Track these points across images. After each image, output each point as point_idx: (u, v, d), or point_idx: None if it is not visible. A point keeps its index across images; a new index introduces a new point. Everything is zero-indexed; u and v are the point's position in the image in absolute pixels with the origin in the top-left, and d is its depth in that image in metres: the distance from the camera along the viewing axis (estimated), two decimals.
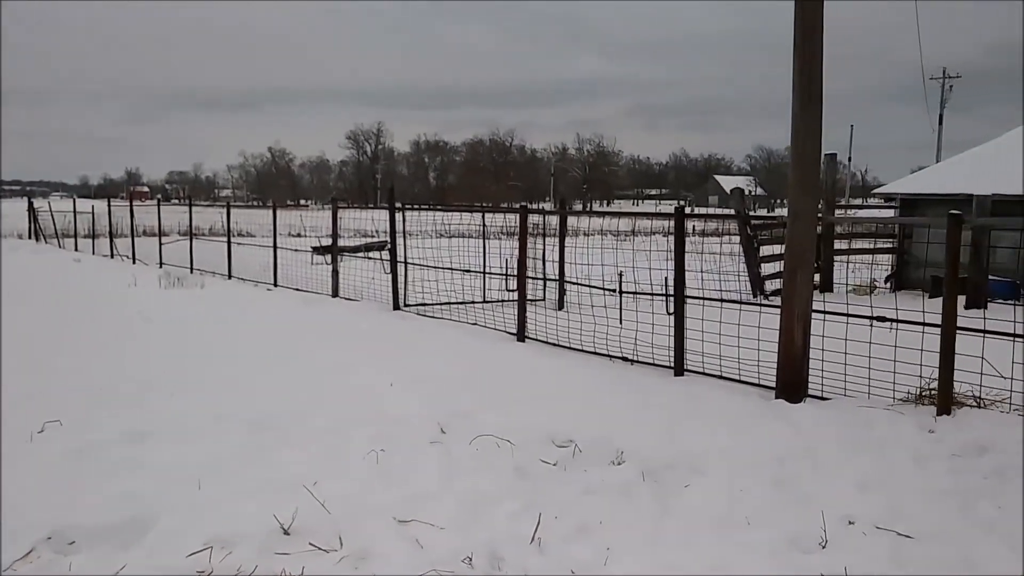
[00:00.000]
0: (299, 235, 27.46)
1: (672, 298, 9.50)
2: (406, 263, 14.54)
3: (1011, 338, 7.23)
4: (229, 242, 20.79)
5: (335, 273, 16.29)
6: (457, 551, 4.79)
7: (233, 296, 16.59)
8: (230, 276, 20.23)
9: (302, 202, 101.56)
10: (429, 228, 24.77)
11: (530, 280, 12.97)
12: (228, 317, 13.52)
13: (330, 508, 5.25)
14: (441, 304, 14.00)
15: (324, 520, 5.12)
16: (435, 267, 14.85)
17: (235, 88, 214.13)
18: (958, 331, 7.31)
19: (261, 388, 8.43)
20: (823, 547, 4.96)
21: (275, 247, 18.78)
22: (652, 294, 11.55)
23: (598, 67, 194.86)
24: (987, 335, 7.42)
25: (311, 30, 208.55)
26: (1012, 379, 7.19)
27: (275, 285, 18.43)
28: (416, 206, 18.53)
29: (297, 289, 17.60)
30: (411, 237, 15.95)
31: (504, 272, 14.41)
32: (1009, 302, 14.45)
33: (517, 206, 12.41)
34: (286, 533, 4.95)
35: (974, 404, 7.40)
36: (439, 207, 30.26)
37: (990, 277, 15.71)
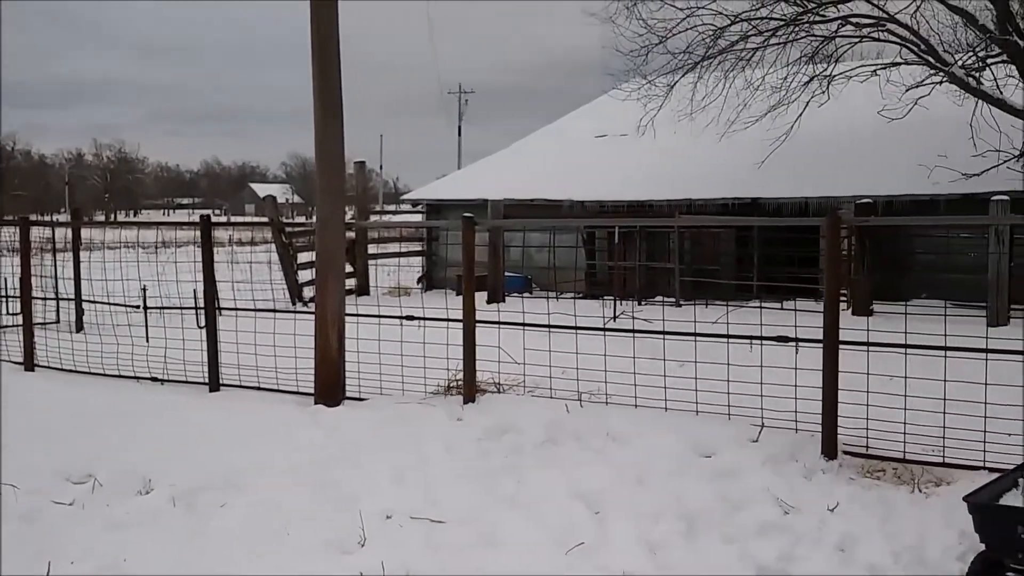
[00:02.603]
0: None
1: (203, 311, 9.04)
2: None
3: (521, 327, 7.95)
4: None
5: None
6: None
7: None
8: None
9: None
10: None
11: (40, 301, 11.55)
12: None
13: None
14: None
15: None
16: None
17: None
18: (477, 324, 7.89)
19: None
20: (362, 545, 5.01)
21: None
22: (180, 308, 10.90)
23: (114, 68, 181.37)
24: (502, 326, 8.08)
25: None
26: (525, 364, 7.91)
27: None
28: None
29: None
30: None
31: (3, 293, 12.65)
32: (524, 295, 16.13)
33: (16, 219, 10.97)
34: None
35: (495, 390, 8.03)
36: None
37: (506, 273, 17.35)
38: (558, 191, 18.93)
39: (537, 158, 21.82)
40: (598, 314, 10.69)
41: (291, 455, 6.53)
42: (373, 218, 29.26)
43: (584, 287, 17.36)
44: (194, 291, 9.50)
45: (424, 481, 6.06)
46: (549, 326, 7.75)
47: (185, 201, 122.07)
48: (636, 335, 7.67)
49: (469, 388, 7.76)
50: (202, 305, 9.12)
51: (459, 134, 61.85)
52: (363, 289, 17.79)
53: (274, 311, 9.27)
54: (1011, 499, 4.57)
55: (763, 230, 15.84)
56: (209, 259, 8.90)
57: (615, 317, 12.38)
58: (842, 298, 14.67)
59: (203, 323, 9.03)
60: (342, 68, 8.06)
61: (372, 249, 19.25)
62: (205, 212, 15.27)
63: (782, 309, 7.88)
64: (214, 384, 8.81)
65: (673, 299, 15.58)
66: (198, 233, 9.00)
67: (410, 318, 8.23)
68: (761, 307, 7.90)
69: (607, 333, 7.67)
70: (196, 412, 7.84)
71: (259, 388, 8.65)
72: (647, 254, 17.40)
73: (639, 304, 14.82)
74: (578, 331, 7.68)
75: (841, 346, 6.34)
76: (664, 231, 17.27)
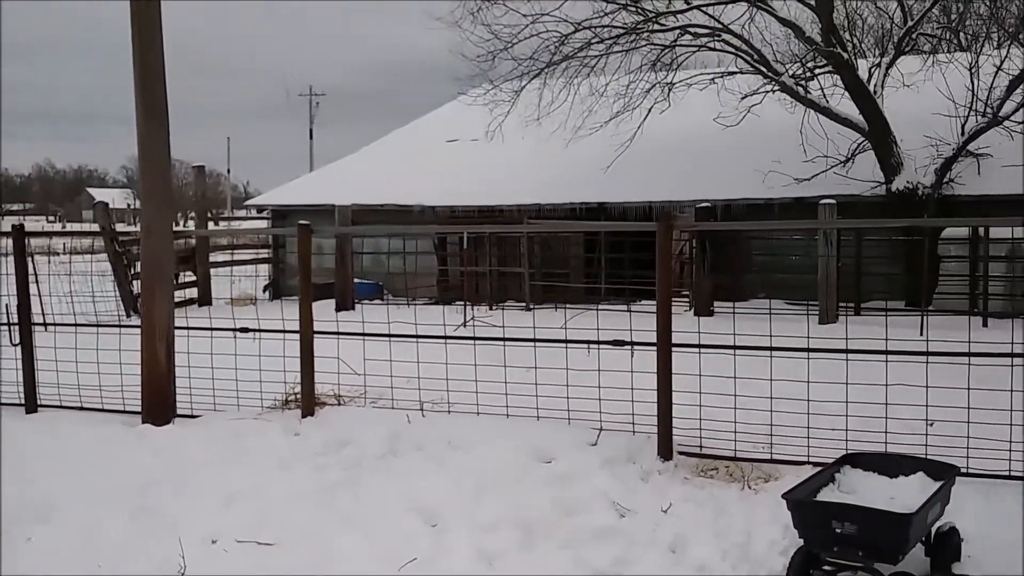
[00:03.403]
0: None
1: (17, 327, 8.41)
2: None
3: (361, 337, 7.75)
4: None
5: None
6: None
7: None
8: None
9: None
10: None
11: None
12: None
13: None
14: None
15: None
16: None
17: None
18: (316, 334, 7.64)
19: None
20: (182, 574, 4.72)
21: None
22: None
23: None
24: (346, 336, 7.85)
25: None
26: (366, 375, 7.71)
27: None
28: None
29: None
30: None
31: None
32: (375, 302, 15.86)
33: None
34: None
35: (335, 402, 7.80)
36: None
37: (356, 280, 17.02)
38: (409, 196, 18.76)
39: (388, 162, 21.60)
40: (449, 320, 10.58)
41: (112, 479, 6.14)
42: (223, 224, 28.26)
43: (436, 292, 17.26)
44: (6, 306, 8.82)
45: (255, 501, 5.80)
46: (390, 335, 7.59)
47: (15, 207, 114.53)
48: (478, 342, 7.62)
49: (307, 401, 7.50)
50: (16, 321, 8.48)
51: (311, 137, 60.64)
52: (205, 299, 17.09)
53: (97, 325, 8.72)
54: (828, 494, 4.75)
55: (610, 234, 16.15)
56: (23, 271, 8.29)
57: (465, 323, 12.32)
58: (684, 299, 15.26)
59: (17, 340, 8.40)
60: (166, 69, 7.67)
61: (215, 257, 18.54)
62: (39, 219, 14.25)
63: (628, 311, 8.04)
64: (31, 405, 8.22)
65: (524, 303, 15.67)
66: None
67: (244, 330, 7.90)
68: (598, 310, 7.97)
69: (448, 341, 7.57)
70: (9, 436, 7.26)
71: (82, 408, 8.12)
72: (498, 259, 17.46)
73: (490, 309, 14.82)
74: (419, 339, 7.54)
75: (674, 348, 6.47)
76: (515, 236, 17.37)
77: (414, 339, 7.58)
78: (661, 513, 5.56)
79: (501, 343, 7.47)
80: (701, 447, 6.57)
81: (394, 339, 7.70)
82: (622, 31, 15.33)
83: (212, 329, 7.92)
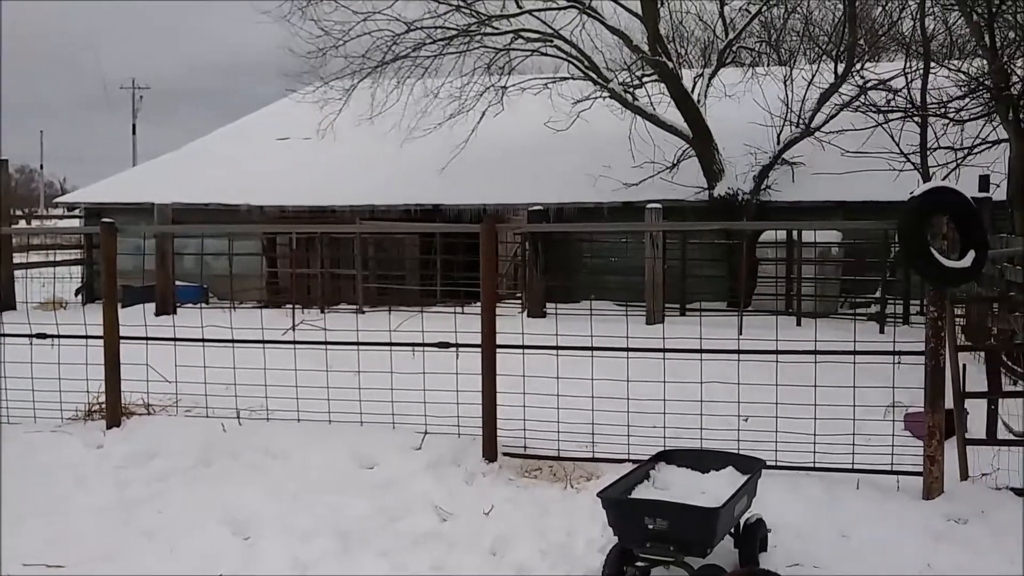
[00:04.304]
0: None
1: None
2: None
3: (172, 342, 7.30)
4: None
5: None
6: None
7: None
8: None
9: None
10: None
11: None
12: None
13: None
14: None
15: None
16: None
17: None
18: (123, 340, 7.17)
19: None
20: None
21: None
22: None
23: None
24: (151, 342, 7.37)
25: None
26: (178, 382, 7.27)
27: None
28: None
29: None
30: None
31: None
32: (198, 305, 15.12)
33: None
34: None
35: (145, 412, 7.34)
36: None
37: (178, 283, 16.20)
38: (236, 195, 18.03)
39: (214, 160, 20.68)
40: (277, 324, 10.21)
41: None
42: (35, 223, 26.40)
43: (265, 295, 16.67)
44: None
45: (48, 521, 5.37)
46: (204, 340, 7.19)
47: None
48: (303, 347, 7.34)
49: (112, 411, 7.01)
50: None
51: (134, 133, 57.73)
52: (8, 303, 15.83)
53: None
54: (643, 491, 4.81)
55: (444, 235, 16.06)
56: None
57: (294, 327, 11.92)
58: (517, 301, 15.37)
59: None
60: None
61: (22, 258, 17.25)
62: None
63: (455, 313, 7.94)
64: None
65: (357, 306, 15.35)
66: None
67: (41, 336, 7.31)
68: (428, 312, 7.85)
69: (268, 346, 7.24)
70: None
71: None
72: (331, 261, 17.05)
73: (321, 312, 14.42)
74: (236, 344, 7.19)
75: (499, 349, 6.43)
76: (348, 237, 17.00)
77: (231, 344, 7.22)
78: (484, 515, 5.50)
79: (324, 347, 7.24)
80: (526, 447, 6.56)
81: (211, 344, 7.31)
82: (455, 33, 15.31)
83: (3, 335, 7.28)
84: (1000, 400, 6.27)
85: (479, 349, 6.45)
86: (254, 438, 6.66)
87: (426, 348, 6.80)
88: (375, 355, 7.01)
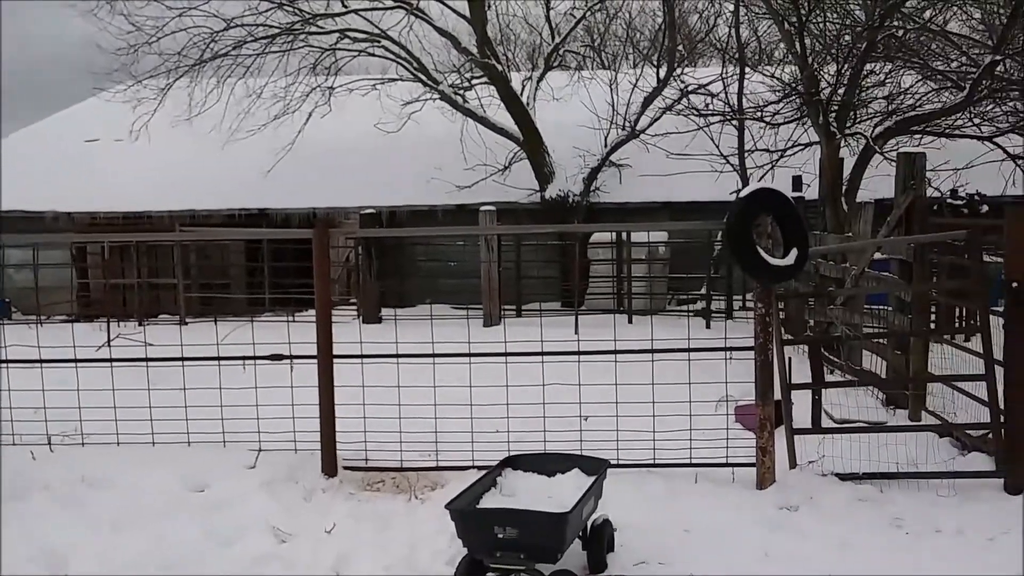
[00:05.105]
0: None
1: None
2: None
3: None
4: None
5: None
6: None
7: None
8: None
9: None
10: None
11: None
12: None
13: None
14: None
15: None
16: None
17: None
18: None
19: None
20: None
21: None
22: None
23: None
24: None
25: None
26: None
27: None
28: None
29: None
30: None
31: None
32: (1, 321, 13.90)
33: None
34: None
35: None
36: None
37: None
38: (39, 201, 16.71)
39: (13, 164, 19.07)
40: (90, 339, 9.52)
41: None
42: None
43: (76, 309, 15.55)
44: None
45: None
46: (6, 361, 6.56)
47: None
48: (118, 364, 6.82)
49: None
50: None
51: None
52: None
53: None
54: (490, 499, 4.71)
55: (272, 241, 15.50)
56: None
57: (109, 342, 11.17)
58: (352, 307, 15.03)
59: None
60: None
61: None
62: None
63: (288, 322, 7.61)
64: None
65: (178, 318, 14.56)
66: None
67: None
68: (258, 322, 7.49)
69: (80, 365, 6.68)
70: None
71: None
72: (148, 270, 16.11)
73: (139, 325, 13.58)
74: (43, 364, 6.60)
75: (336, 360, 6.18)
76: (167, 245, 16.11)
77: (38, 363, 6.62)
78: (325, 533, 5.27)
79: (145, 364, 6.75)
80: (367, 460, 6.36)
81: (15, 365, 6.69)
82: (278, 31, 14.79)
83: None
84: (823, 390, 6.58)
85: (315, 360, 6.18)
86: (69, 466, 6.12)
87: (257, 361, 6.46)
88: (201, 370, 6.60)
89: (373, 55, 15.95)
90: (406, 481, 6.14)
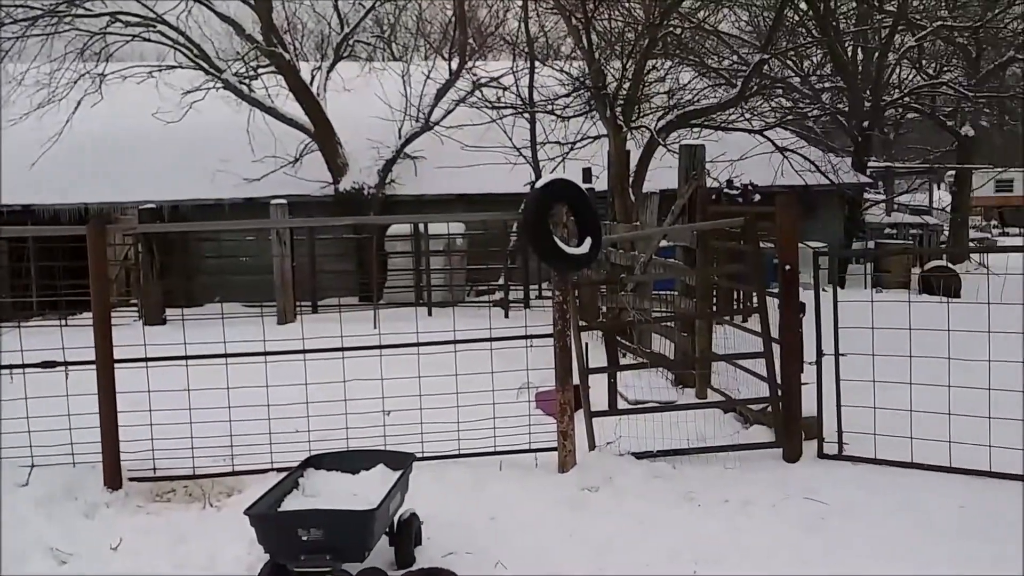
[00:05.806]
0: None
1: None
2: None
3: None
4: None
5: None
6: None
7: None
8: None
9: None
10: None
11: None
12: None
13: None
14: None
15: None
16: None
17: None
18: None
19: None
20: None
21: None
22: None
23: None
24: None
25: None
26: None
27: None
28: None
29: None
30: None
31: None
32: None
33: None
34: None
35: None
36: None
37: None
38: None
39: None
40: None
41: None
42: None
43: None
44: None
45: None
46: None
47: None
48: None
49: None
50: None
51: None
52: None
53: None
54: (293, 501, 4.54)
55: (40, 240, 14.26)
56: None
57: None
58: (132, 308, 14.11)
59: None
60: None
61: None
62: None
63: (68, 326, 7.02)
64: None
65: None
66: None
67: None
68: (26, 327, 6.87)
69: None
70: None
71: None
72: None
73: None
74: None
75: (117, 365, 5.75)
76: None
77: None
78: (111, 551, 4.91)
79: None
80: (155, 469, 5.97)
81: None
82: (40, 13, 13.61)
83: None
84: (618, 373, 6.81)
85: (93, 365, 5.72)
86: None
87: (27, 369, 5.91)
88: None
89: (149, 40, 15.02)
90: (199, 489, 5.83)
